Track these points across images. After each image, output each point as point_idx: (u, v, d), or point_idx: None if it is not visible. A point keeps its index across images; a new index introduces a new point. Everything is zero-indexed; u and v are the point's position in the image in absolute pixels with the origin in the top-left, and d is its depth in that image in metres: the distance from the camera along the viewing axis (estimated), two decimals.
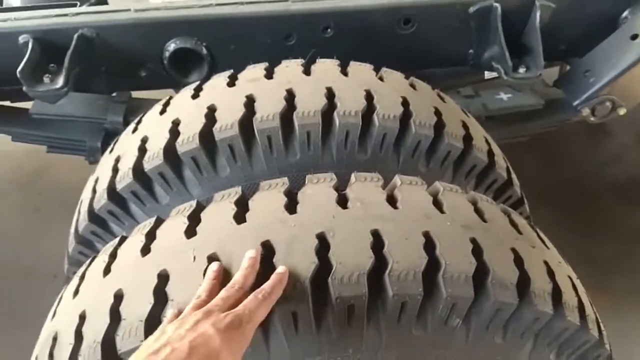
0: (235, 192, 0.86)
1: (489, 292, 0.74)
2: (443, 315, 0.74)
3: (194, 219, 0.84)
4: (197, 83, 1.14)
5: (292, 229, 0.76)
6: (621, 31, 1.41)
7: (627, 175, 2.38)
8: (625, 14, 1.42)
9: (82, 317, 0.79)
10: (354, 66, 1.11)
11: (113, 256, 0.86)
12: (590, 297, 0.93)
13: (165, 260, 0.78)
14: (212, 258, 0.75)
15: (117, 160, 1.06)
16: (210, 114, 0.99)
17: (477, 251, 0.77)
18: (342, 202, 0.81)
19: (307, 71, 1.08)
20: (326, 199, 0.81)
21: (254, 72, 1.10)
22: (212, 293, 0.70)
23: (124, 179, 1.00)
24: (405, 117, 0.99)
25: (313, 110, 0.96)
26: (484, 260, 0.76)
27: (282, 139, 0.95)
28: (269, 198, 0.84)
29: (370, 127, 0.98)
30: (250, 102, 0.99)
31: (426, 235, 0.77)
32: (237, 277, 0.71)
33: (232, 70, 1.13)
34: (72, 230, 1.14)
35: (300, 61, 1.13)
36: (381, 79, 1.09)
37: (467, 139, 1.05)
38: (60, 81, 1.25)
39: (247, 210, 0.82)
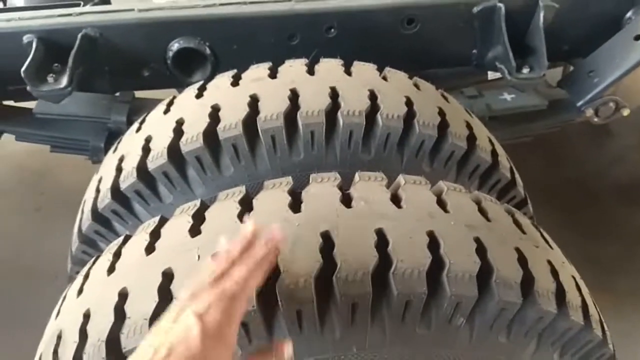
0: (240, 191, 0.87)
1: (493, 292, 0.74)
2: (447, 314, 0.74)
3: (198, 218, 0.84)
4: (201, 83, 1.14)
5: (296, 228, 0.76)
6: (625, 31, 1.41)
7: (630, 176, 2.38)
8: (629, 14, 1.42)
9: (87, 316, 0.79)
10: (358, 66, 1.11)
11: (117, 255, 0.86)
12: (593, 297, 0.93)
13: (169, 258, 0.78)
14: None
15: (121, 159, 1.06)
16: (214, 114, 0.99)
17: (481, 250, 0.77)
18: (346, 201, 0.81)
19: (311, 71, 1.08)
20: (330, 198, 0.81)
21: (257, 72, 1.10)
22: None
23: (128, 179, 1.00)
24: (409, 116, 0.99)
25: (317, 109, 0.96)
26: (488, 260, 0.76)
27: (286, 138, 0.96)
28: (273, 197, 0.84)
29: (374, 126, 0.98)
30: (254, 101, 0.99)
31: (430, 234, 0.77)
32: (234, 251, 0.67)
33: (235, 70, 1.13)
34: (76, 229, 1.15)
35: (304, 61, 1.13)
36: (385, 78, 1.09)
37: (471, 139, 1.05)
38: (64, 81, 1.25)
39: (251, 209, 0.82)
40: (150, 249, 0.82)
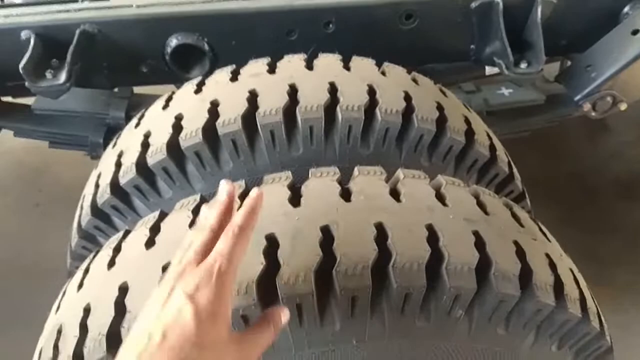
0: (239, 186, 0.87)
1: (492, 284, 0.75)
2: (446, 306, 0.75)
3: (199, 213, 0.84)
4: (200, 78, 1.14)
5: (296, 222, 0.77)
6: (622, 26, 1.41)
7: (628, 171, 2.39)
8: (626, 9, 1.42)
9: (87, 310, 0.80)
10: (357, 61, 1.12)
11: (117, 250, 0.87)
12: (592, 291, 0.94)
13: (170, 253, 0.77)
14: None
15: (120, 155, 1.06)
16: (213, 109, 0.99)
17: (479, 244, 0.78)
18: (346, 195, 0.82)
19: (309, 66, 1.08)
20: (330, 192, 0.82)
21: (256, 67, 1.10)
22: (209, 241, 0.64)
23: (127, 174, 1.01)
24: (408, 111, 1.00)
25: (316, 104, 0.96)
26: (486, 253, 0.77)
27: (285, 133, 0.96)
28: (272, 191, 0.84)
29: (373, 121, 0.98)
30: (253, 96, 0.99)
31: (429, 227, 0.77)
32: (210, 218, 0.65)
33: (234, 65, 1.13)
34: (75, 225, 1.15)
35: (302, 56, 1.13)
36: (383, 73, 1.09)
37: (469, 133, 1.06)
38: (62, 77, 1.25)
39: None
40: (150, 243, 0.82)
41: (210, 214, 0.66)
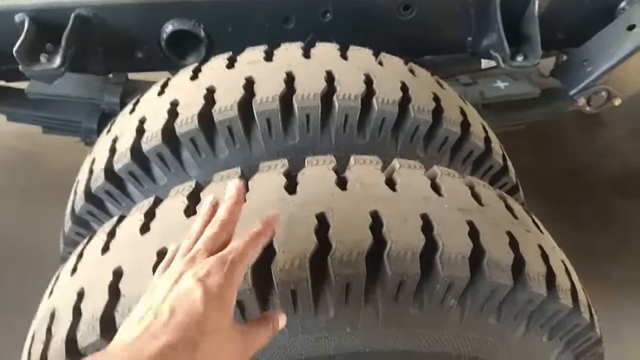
0: (235, 172, 0.87)
1: (485, 274, 0.75)
2: (439, 295, 0.75)
3: (194, 199, 0.84)
4: (196, 65, 1.14)
5: (291, 209, 0.77)
6: (618, 21, 1.41)
7: (622, 166, 2.41)
8: (622, 4, 1.42)
9: (81, 294, 0.80)
10: (354, 50, 1.11)
11: (111, 235, 0.87)
12: (586, 286, 0.95)
13: (164, 238, 0.78)
14: None
15: (115, 140, 1.06)
16: (209, 96, 0.98)
17: (473, 233, 0.78)
18: (342, 183, 0.82)
19: (306, 54, 1.08)
20: (326, 180, 0.82)
21: (253, 55, 1.09)
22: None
23: (122, 160, 1.00)
24: (404, 101, 1.00)
25: (313, 93, 0.96)
26: (480, 243, 0.77)
27: (281, 121, 0.95)
28: (268, 179, 0.84)
29: (370, 111, 0.98)
30: (249, 84, 0.99)
31: (424, 217, 0.78)
32: (222, 212, 0.67)
33: (231, 53, 1.13)
34: (68, 210, 1.14)
35: (299, 44, 1.12)
36: (380, 63, 1.09)
37: (465, 125, 1.06)
38: (57, 61, 1.24)
39: (247, 190, 0.82)
40: (145, 228, 0.82)
41: (221, 208, 0.68)
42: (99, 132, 1.39)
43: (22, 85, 1.48)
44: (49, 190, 2.23)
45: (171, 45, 1.36)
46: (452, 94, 1.17)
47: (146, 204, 0.88)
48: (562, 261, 0.91)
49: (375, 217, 0.76)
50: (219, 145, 0.98)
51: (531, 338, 0.86)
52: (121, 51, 1.37)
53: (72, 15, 1.28)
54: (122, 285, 0.76)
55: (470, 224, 0.79)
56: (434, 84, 1.14)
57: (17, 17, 1.27)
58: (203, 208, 0.70)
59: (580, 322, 0.88)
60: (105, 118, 1.39)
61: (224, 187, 0.83)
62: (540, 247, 0.86)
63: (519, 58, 1.35)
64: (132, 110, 1.10)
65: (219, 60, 1.10)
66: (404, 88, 1.02)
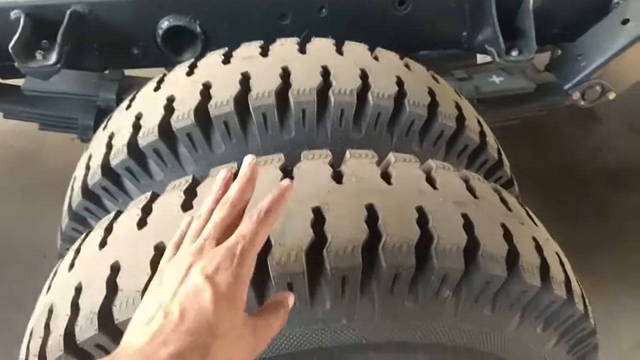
0: (232, 167, 0.87)
1: (479, 265, 0.76)
2: (434, 286, 0.76)
3: (190, 193, 0.84)
4: (192, 60, 1.14)
5: (288, 203, 0.77)
6: (613, 15, 1.42)
7: (617, 161, 2.42)
8: None
9: (78, 290, 0.80)
10: (349, 45, 1.12)
11: (109, 230, 0.87)
12: (582, 280, 0.96)
13: (162, 232, 0.78)
14: None
15: (111, 136, 1.06)
16: (205, 91, 0.99)
17: (468, 226, 0.79)
18: (337, 177, 0.82)
19: (302, 49, 1.08)
20: (321, 174, 0.82)
21: (249, 50, 1.10)
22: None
23: (118, 155, 1.00)
24: (400, 96, 1.00)
25: (308, 88, 0.96)
26: (474, 235, 0.78)
27: (277, 116, 0.96)
28: (264, 173, 0.84)
29: (365, 105, 0.98)
30: (245, 79, 0.99)
31: (419, 210, 0.78)
32: (232, 192, 0.64)
33: (227, 48, 1.13)
34: (65, 207, 1.15)
35: (295, 39, 1.13)
36: (376, 58, 1.10)
37: (460, 119, 1.07)
38: (52, 57, 1.24)
39: None
40: (142, 223, 0.82)
41: (232, 187, 0.64)
42: (95, 128, 1.39)
43: (18, 82, 1.48)
44: (47, 188, 2.23)
45: (167, 41, 1.36)
46: (447, 89, 1.18)
47: (143, 199, 0.88)
48: (556, 253, 0.92)
49: (371, 210, 0.77)
50: (216, 140, 0.98)
51: (526, 329, 0.87)
52: (117, 48, 1.38)
53: (68, 12, 1.28)
54: (120, 280, 0.76)
55: (464, 216, 0.80)
56: (430, 78, 1.14)
57: (13, 14, 1.27)
58: (215, 184, 0.67)
59: (575, 313, 0.89)
60: (102, 114, 1.39)
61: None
62: (534, 239, 0.87)
63: (514, 53, 1.35)
64: (129, 106, 1.10)
65: (215, 56, 1.10)
66: (400, 83, 1.02)
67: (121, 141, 1.01)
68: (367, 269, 0.74)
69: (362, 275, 0.74)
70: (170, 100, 1.01)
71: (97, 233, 0.88)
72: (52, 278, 0.93)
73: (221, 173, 0.67)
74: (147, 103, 1.06)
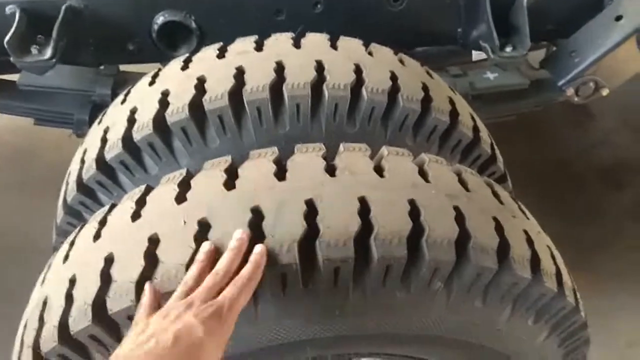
0: (225, 160, 0.88)
1: (470, 257, 0.77)
2: (426, 278, 0.77)
3: (184, 186, 0.85)
4: (186, 55, 1.14)
5: (281, 195, 0.78)
6: (606, 12, 1.43)
7: (613, 158, 2.43)
8: None
9: (72, 281, 0.81)
10: (344, 40, 1.12)
11: (103, 223, 0.87)
12: (579, 277, 0.96)
13: (155, 224, 0.79)
14: (202, 222, 0.77)
15: (106, 130, 1.06)
16: (200, 85, 0.99)
17: (459, 218, 0.80)
18: (331, 170, 0.83)
19: (297, 44, 1.09)
20: (315, 167, 0.83)
21: (243, 45, 1.10)
22: (201, 278, 0.71)
23: (113, 149, 1.01)
24: (394, 91, 1.01)
25: (303, 82, 0.97)
26: (466, 227, 0.79)
27: (272, 110, 0.96)
28: (258, 166, 0.85)
29: (359, 100, 0.99)
30: (240, 73, 0.99)
31: (411, 202, 0.79)
32: (223, 263, 0.72)
33: (221, 43, 1.13)
34: (61, 201, 1.15)
35: (290, 34, 1.13)
36: (370, 53, 1.10)
37: (454, 114, 1.07)
38: (48, 52, 1.24)
39: (237, 177, 0.83)
40: (136, 215, 0.83)
41: (222, 258, 0.72)
42: (90, 123, 1.39)
43: (14, 77, 1.48)
44: (43, 184, 2.22)
45: (162, 36, 1.36)
46: (441, 84, 1.18)
47: (137, 192, 0.89)
48: (548, 246, 0.93)
49: (363, 202, 0.78)
50: (210, 134, 0.98)
51: (517, 321, 0.88)
52: (112, 43, 1.38)
53: (63, 7, 1.28)
54: (114, 271, 0.77)
55: (456, 209, 0.81)
56: (424, 73, 1.15)
57: (8, 9, 1.27)
58: (198, 255, 0.73)
59: (565, 306, 0.90)
60: (97, 110, 1.39)
61: (213, 175, 0.85)
62: (526, 232, 0.88)
63: (508, 49, 1.36)
64: (124, 101, 1.11)
65: (210, 51, 1.11)
66: (393, 77, 1.03)
67: (116, 135, 1.01)
68: (360, 261, 0.75)
69: (354, 267, 0.74)
70: (165, 94, 1.01)
71: (92, 226, 0.89)
72: (47, 271, 0.94)
73: (204, 245, 0.74)
74: (142, 97, 1.07)
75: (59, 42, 1.26)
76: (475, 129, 1.12)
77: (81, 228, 0.93)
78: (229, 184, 0.82)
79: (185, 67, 1.08)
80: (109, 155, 1.01)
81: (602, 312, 1.71)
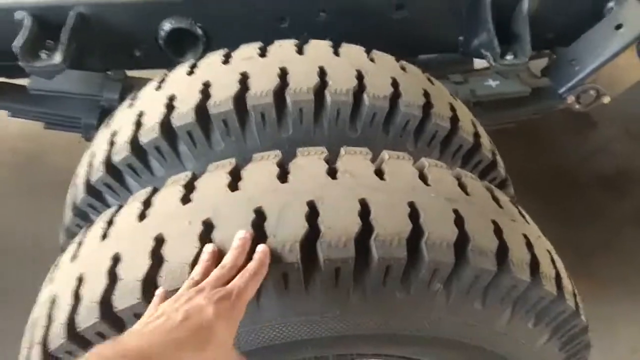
0: (229, 162, 0.90)
1: (469, 259, 0.78)
2: (425, 279, 0.78)
3: (189, 187, 0.87)
4: (192, 60, 1.16)
5: (283, 197, 0.80)
6: (606, 21, 1.45)
7: (613, 166, 2.43)
8: (610, 4, 1.45)
9: (80, 280, 0.83)
10: (346, 47, 1.14)
11: (110, 223, 0.89)
12: (579, 283, 0.97)
13: (161, 224, 0.81)
14: (206, 223, 0.79)
15: (114, 134, 1.09)
16: (205, 90, 1.01)
17: (459, 221, 0.81)
18: (332, 173, 0.85)
19: (300, 50, 1.11)
20: (317, 170, 0.85)
21: (248, 51, 1.12)
22: (205, 275, 0.73)
23: (121, 152, 1.03)
24: (395, 97, 1.03)
25: (306, 87, 0.99)
26: (465, 230, 0.80)
27: (275, 115, 0.98)
28: (261, 168, 0.87)
29: (361, 105, 1.01)
30: (244, 78, 1.01)
31: (411, 205, 0.81)
32: (228, 258, 0.74)
33: (226, 49, 1.16)
34: (68, 203, 1.17)
35: (293, 41, 1.15)
36: (372, 60, 1.12)
37: (454, 120, 1.09)
38: (57, 57, 1.27)
39: (241, 179, 0.85)
40: (142, 216, 0.85)
41: (228, 254, 0.75)
42: (98, 127, 1.42)
43: (24, 82, 1.51)
44: (52, 188, 2.24)
45: (169, 43, 1.39)
46: (442, 90, 1.20)
47: (143, 193, 0.91)
48: (548, 250, 0.94)
49: (364, 204, 0.79)
50: (215, 138, 1.00)
51: (517, 324, 0.89)
52: (120, 49, 1.40)
53: (72, 13, 1.31)
54: (120, 270, 0.78)
55: (456, 212, 0.82)
56: (425, 80, 1.17)
57: (18, 14, 1.30)
58: (203, 254, 0.75)
59: (565, 310, 0.91)
60: (105, 114, 1.41)
61: (218, 177, 0.87)
62: (525, 235, 0.89)
63: (509, 57, 1.38)
64: (131, 105, 1.13)
65: (215, 56, 1.13)
66: (395, 84, 1.05)
67: (123, 138, 1.04)
68: (360, 261, 0.76)
69: (354, 267, 0.76)
70: (171, 99, 1.03)
71: (99, 226, 0.90)
72: (54, 270, 0.95)
73: (208, 246, 0.76)
74: (149, 101, 1.09)
75: (68, 47, 1.29)
76: (476, 135, 1.14)
77: (88, 228, 0.95)
78: (233, 186, 0.84)
79: (191, 72, 1.10)
80: (116, 158, 1.03)
81: (606, 318, 1.71)
